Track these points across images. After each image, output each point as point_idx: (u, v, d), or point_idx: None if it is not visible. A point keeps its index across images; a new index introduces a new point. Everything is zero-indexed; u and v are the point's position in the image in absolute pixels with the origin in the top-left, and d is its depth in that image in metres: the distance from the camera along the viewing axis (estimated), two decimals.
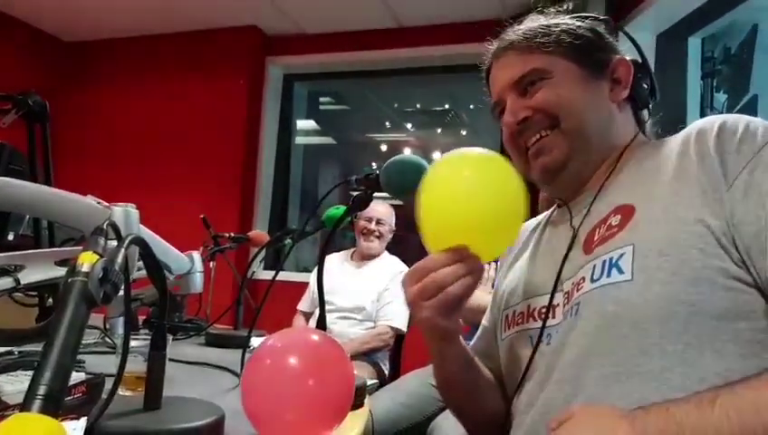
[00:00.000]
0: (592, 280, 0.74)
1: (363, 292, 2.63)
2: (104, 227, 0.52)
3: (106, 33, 4.49)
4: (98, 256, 0.49)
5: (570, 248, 0.83)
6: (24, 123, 1.19)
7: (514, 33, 0.91)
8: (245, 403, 0.67)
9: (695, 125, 0.79)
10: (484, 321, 1.05)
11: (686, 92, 2.84)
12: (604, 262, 0.74)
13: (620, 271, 0.71)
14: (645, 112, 0.93)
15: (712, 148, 0.73)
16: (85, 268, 0.47)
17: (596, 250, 0.77)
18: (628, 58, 0.90)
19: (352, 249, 2.86)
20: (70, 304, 0.45)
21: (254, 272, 2.65)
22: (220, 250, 2.24)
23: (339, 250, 2.97)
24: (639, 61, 0.91)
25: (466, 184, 0.73)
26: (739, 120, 0.74)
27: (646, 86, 0.91)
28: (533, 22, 0.91)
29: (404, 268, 2.72)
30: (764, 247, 0.66)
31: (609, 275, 0.72)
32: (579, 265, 0.79)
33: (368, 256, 2.76)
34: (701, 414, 0.58)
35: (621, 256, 0.72)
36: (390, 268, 2.72)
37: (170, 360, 1.04)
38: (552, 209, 1.00)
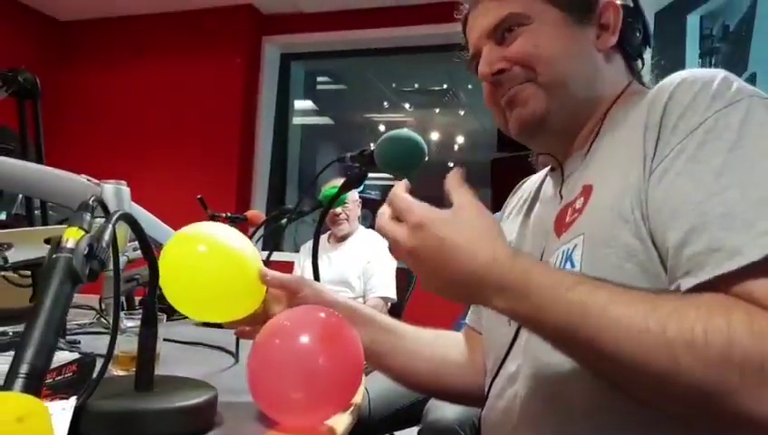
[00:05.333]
0: None
1: (346, 269, 2.66)
2: (90, 202, 0.51)
3: (102, 12, 4.43)
4: (83, 232, 0.48)
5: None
6: (14, 101, 1.17)
7: None
8: (252, 383, 0.66)
9: (663, 82, 0.70)
10: None
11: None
12: (564, 252, 0.70)
13: (572, 264, 0.67)
14: (639, 63, 0.84)
15: (657, 116, 0.64)
16: (70, 244, 0.46)
17: (562, 236, 0.73)
18: (618, 1, 0.79)
19: (327, 232, 2.88)
20: (54, 280, 0.44)
21: None
22: None
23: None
24: (631, 4, 0.81)
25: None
26: (697, 80, 0.63)
27: (638, 33, 0.81)
28: None
29: (382, 240, 2.71)
30: (656, 250, 0.60)
31: (564, 269, 0.68)
32: (552, 251, 0.74)
33: (342, 238, 2.80)
34: (553, 292, 0.55)
35: (575, 247, 0.68)
36: (369, 241, 2.74)
37: (165, 340, 1.04)
38: (548, 168, 0.91)
